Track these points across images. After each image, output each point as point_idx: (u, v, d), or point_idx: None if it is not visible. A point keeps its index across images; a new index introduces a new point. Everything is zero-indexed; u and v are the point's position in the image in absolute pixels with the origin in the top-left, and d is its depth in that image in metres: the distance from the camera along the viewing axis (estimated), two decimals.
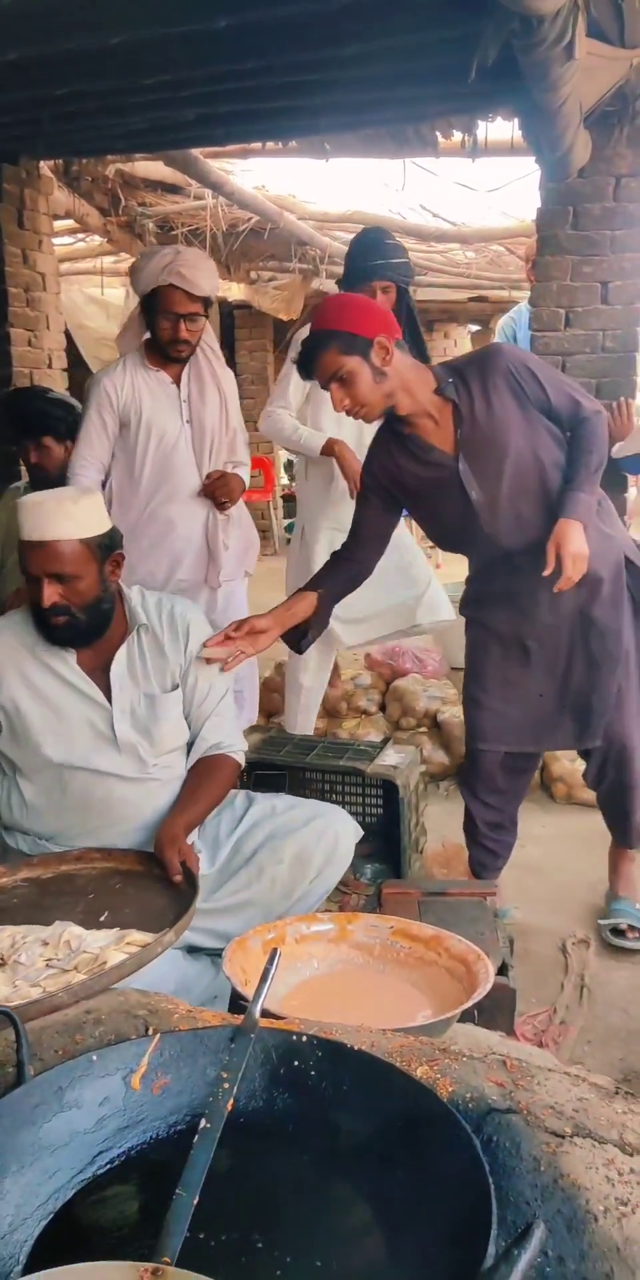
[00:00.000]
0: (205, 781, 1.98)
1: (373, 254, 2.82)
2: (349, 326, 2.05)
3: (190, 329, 2.75)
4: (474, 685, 2.39)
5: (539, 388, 2.12)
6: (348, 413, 2.14)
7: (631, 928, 2.42)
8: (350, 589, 2.33)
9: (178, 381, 2.85)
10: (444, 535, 2.36)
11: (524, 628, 2.27)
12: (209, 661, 2.04)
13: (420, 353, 2.78)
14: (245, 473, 3.04)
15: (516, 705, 2.34)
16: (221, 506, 2.87)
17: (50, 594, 1.81)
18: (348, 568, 2.32)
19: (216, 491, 2.85)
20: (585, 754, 2.42)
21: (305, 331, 2.32)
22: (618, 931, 2.43)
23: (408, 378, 2.10)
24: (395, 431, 2.19)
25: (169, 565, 2.90)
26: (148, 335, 2.84)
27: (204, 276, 2.69)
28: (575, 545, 2.03)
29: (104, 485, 2.90)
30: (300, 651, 2.34)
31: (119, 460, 2.88)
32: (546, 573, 2.04)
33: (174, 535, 2.88)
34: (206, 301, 2.77)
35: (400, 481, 2.23)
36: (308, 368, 2.11)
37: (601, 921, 2.48)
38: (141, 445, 2.82)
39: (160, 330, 2.76)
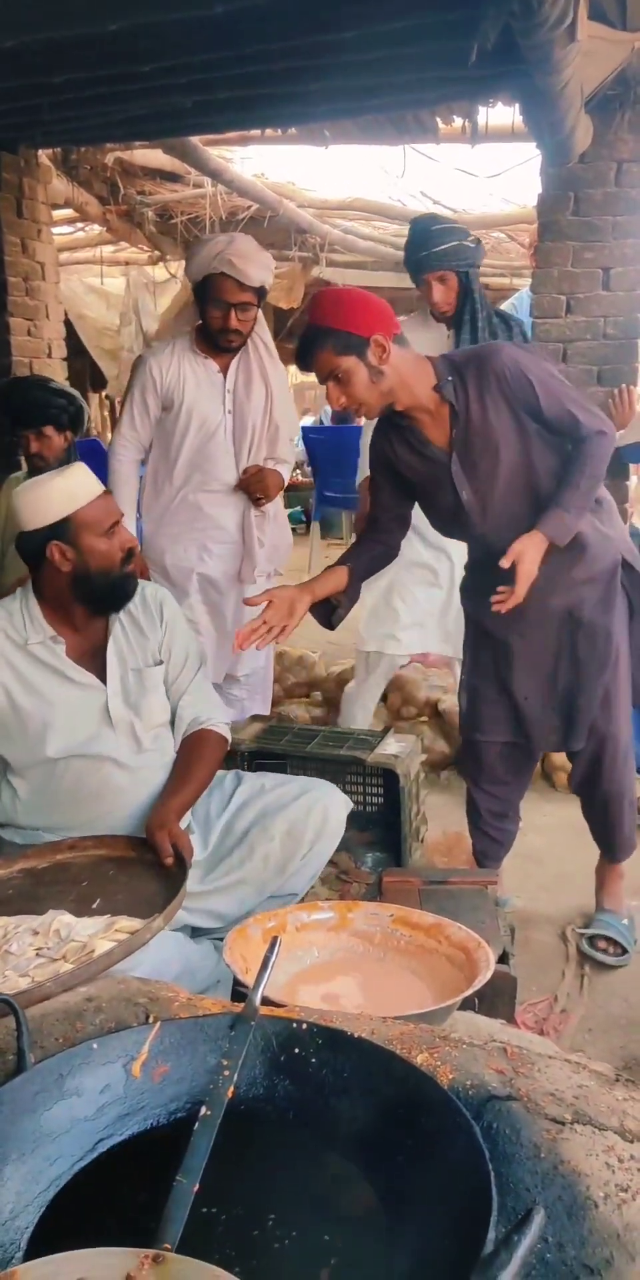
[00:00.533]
0: (194, 762, 2.00)
1: (418, 246, 2.75)
2: (344, 325, 2.02)
3: (241, 319, 2.72)
4: (471, 674, 2.40)
5: (531, 393, 2.06)
6: (344, 410, 2.13)
7: (609, 940, 2.39)
8: (379, 566, 2.36)
9: (225, 371, 2.82)
10: (440, 525, 2.36)
11: (512, 624, 2.23)
12: (242, 647, 2.09)
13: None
14: (286, 471, 2.99)
15: (507, 699, 2.33)
16: (257, 502, 2.83)
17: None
18: (372, 547, 2.33)
19: (252, 486, 2.81)
20: (572, 756, 2.40)
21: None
22: (593, 942, 2.41)
23: (407, 374, 2.07)
24: (394, 423, 2.18)
25: (197, 554, 2.87)
26: (199, 322, 2.81)
27: (256, 266, 2.66)
28: (528, 564, 2.01)
29: (144, 464, 2.90)
30: (331, 628, 2.33)
31: (157, 442, 2.87)
32: (499, 593, 2.05)
33: (204, 523, 2.86)
34: (260, 292, 2.73)
35: (398, 470, 2.23)
36: (304, 361, 2.10)
37: (580, 930, 2.46)
38: (180, 430, 2.80)
39: (210, 319, 2.73)
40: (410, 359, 2.10)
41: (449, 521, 2.28)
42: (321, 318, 2.06)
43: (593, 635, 2.21)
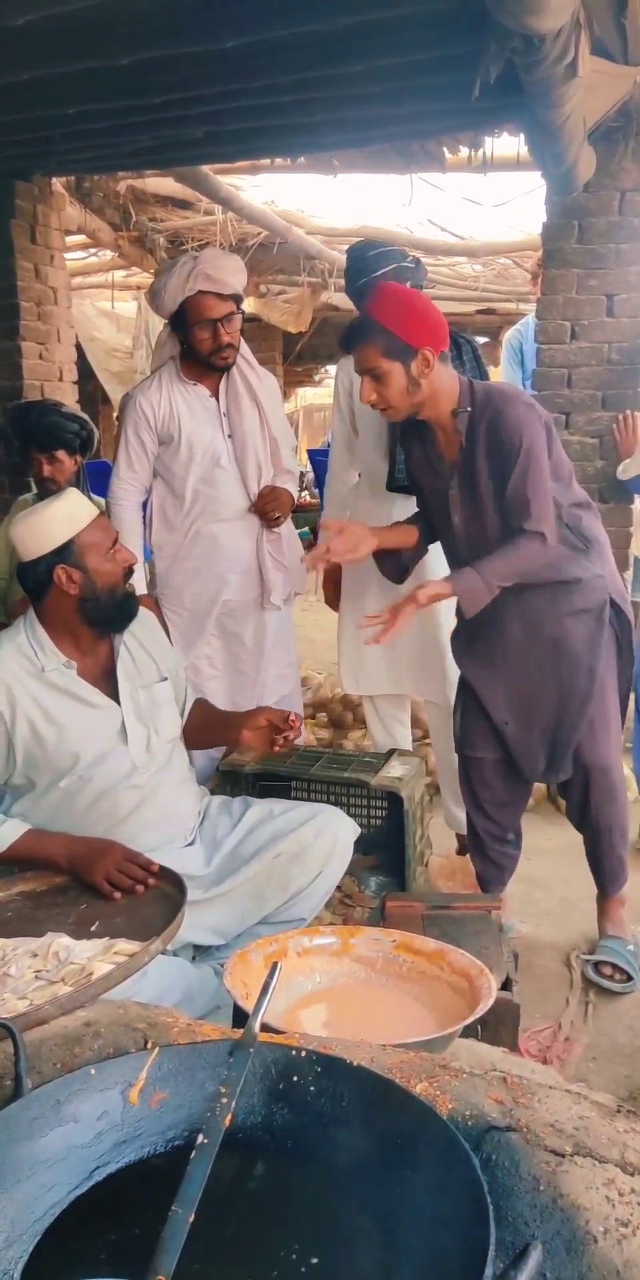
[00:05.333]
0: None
1: (356, 274, 2.67)
2: (399, 330, 2.05)
3: (229, 330, 2.63)
4: (461, 692, 2.42)
5: (512, 459, 2.07)
6: (373, 406, 2.17)
7: (615, 967, 2.37)
8: (437, 538, 2.41)
9: (216, 394, 2.74)
10: (439, 535, 2.39)
11: (497, 651, 2.28)
12: (313, 567, 2.50)
13: None
14: (293, 482, 2.92)
15: (498, 714, 2.35)
16: (275, 522, 2.77)
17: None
18: (427, 524, 2.40)
19: (267, 508, 2.74)
20: (564, 789, 2.40)
21: (348, 362, 2.40)
22: (597, 968, 2.39)
23: (438, 390, 2.12)
24: (418, 428, 2.26)
25: (216, 586, 2.80)
26: (179, 350, 2.74)
27: (231, 272, 2.59)
28: (406, 615, 2.10)
29: (145, 505, 2.83)
30: (400, 582, 2.45)
31: (160, 479, 2.79)
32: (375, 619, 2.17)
33: (219, 554, 2.78)
34: (238, 299, 2.65)
35: (414, 469, 2.34)
36: (349, 345, 2.13)
37: (585, 957, 2.44)
38: (182, 462, 2.73)
39: (199, 343, 2.64)
40: (446, 377, 2.15)
41: (443, 536, 2.35)
42: (380, 313, 2.07)
43: (575, 669, 2.22)
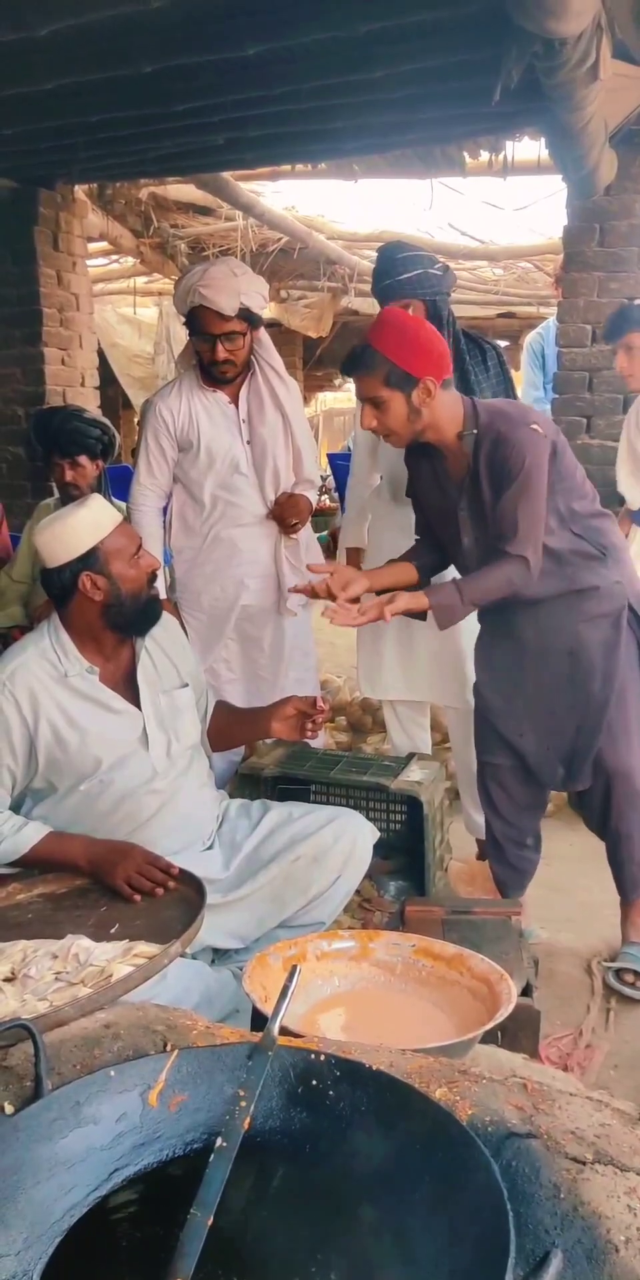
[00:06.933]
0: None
1: (383, 275, 2.67)
2: (401, 361, 2.04)
3: (229, 349, 2.64)
4: (479, 699, 2.41)
5: (508, 479, 2.06)
6: (373, 433, 2.17)
7: (636, 974, 2.33)
8: (441, 568, 2.38)
9: (235, 401, 2.75)
10: (451, 556, 2.38)
11: (514, 661, 2.27)
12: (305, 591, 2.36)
13: (461, 375, 2.64)
14: (313, 491, 2.93)
15: (507, 724, 2.34)
16: (293, 529, 2.78)
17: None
18: (431, 551, 2.36)
19: (285, 515, 2.76)
20: (585, 797, 2.37)
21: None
22: (619, 975, 2.36)
23: (441, 416, 2.11)
24: (425, 449, 2.24)
25: (234, 590, 2.82)
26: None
27: (227, 294, 2.58)
28: (368, 618, 2.09)
29: (165, 510, 2.85)
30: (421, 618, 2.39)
31: (180, 484, 2.81)
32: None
33: (238, 559, 2.80)
34: (249, 317, 2.65)
35: (421, 489, 2.31)
36: (350, 371, 2.13)
37: (606, 963, 2.42)
38: (202, 469, 2.75)
39: (200, 352, 2.68)
40: (449, 402, 2.13)
41: (454, 558, 2.34)
42: (382, 343, 2.06)
43: (591, 676, 2.21)
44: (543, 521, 2.10)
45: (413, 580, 2.28)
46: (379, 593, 2.23)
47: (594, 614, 2.19)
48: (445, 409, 2.11)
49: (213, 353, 2.65)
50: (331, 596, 2.17)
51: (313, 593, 2.31)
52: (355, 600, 2.19)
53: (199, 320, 2.63)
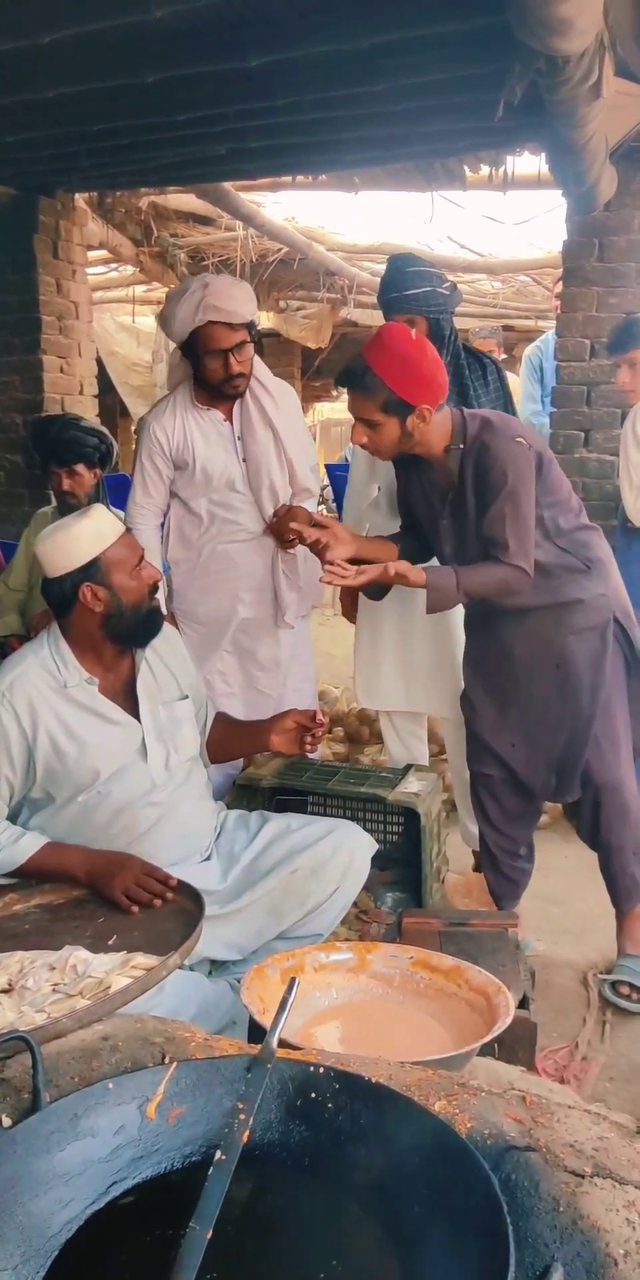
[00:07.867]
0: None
1: (390, 287, 2.65)
2: (399, 389, 2.05)
3: (241, 360, 2.59)
4: (469, 712, 2.42)
5: (492, 495, 2.08)
6: (362, 448, 2.22)
7: (632, 986, 2.33)
8: (424, 557, 2.40)
9: (230, 419, 2.72)
10: (435, 553, 2.41)
11: (505, 672, 2.29)
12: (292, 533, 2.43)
13: (460, 389, 2.63)
14: (311, 501, 2.91)
15: (496, 736, 2.36)
16: (289, 544, 2.73)
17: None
18: (415, 538, 2.40)
19: (282, 530, 2.71)
20: (577, 808, 2.39)
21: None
22: (615, 988, 2.36)
23: (430, 435, 2.14)
24: (415, 458, 2.26)
25: (230, 603, 2.81)
26: (192, 374, 2.71)
27: (240, 302, 2.55)
28: (368, 578, 2.15)
29: (162, 526, 2.84)
30: (378, 598, 2.45)
31: (178, 501, 2.81)
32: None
33: (234, 573, 2.79)
34: (250, 326, 2.62)
35: (408, 496, 2.36)
36: (345, 385, 2.15)
37: (602, 976, 2.41)
38: (198, 487, 2.74)
39: (210, 373, 2.61)
40: (439, 420, 2.14)
41: (438, 554, 2.37)
42: (383, 369, 2.06)
43: (579, 688, 2.22)
44: (533, 532, 2.12)
45: (393, 558, 2.34)
46: (362, 562, 2.30)
47: (581, 627, 2.21)
48: (436, 428, 2.14)
49: (226, 369, 2.59)
50: (321, 557, 2.26)
51: (302, 539, 2.38)
52: (354, 563, 2.24)
53: (208, 338, 2.56)
